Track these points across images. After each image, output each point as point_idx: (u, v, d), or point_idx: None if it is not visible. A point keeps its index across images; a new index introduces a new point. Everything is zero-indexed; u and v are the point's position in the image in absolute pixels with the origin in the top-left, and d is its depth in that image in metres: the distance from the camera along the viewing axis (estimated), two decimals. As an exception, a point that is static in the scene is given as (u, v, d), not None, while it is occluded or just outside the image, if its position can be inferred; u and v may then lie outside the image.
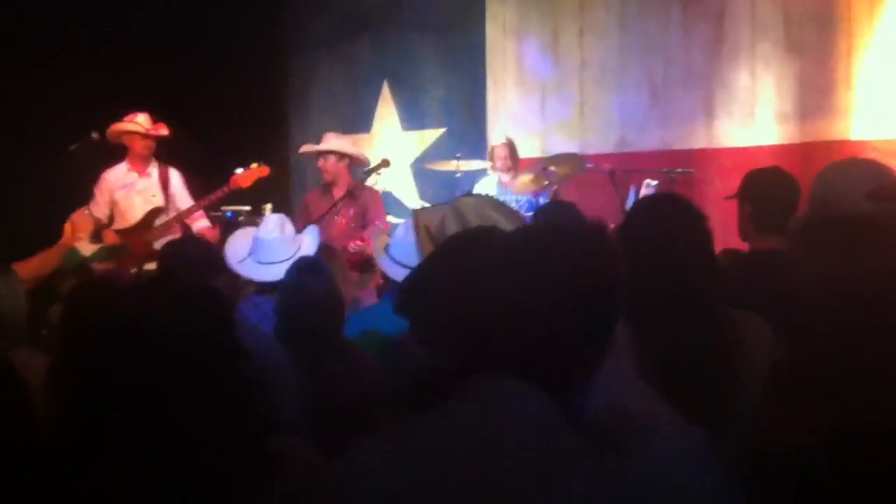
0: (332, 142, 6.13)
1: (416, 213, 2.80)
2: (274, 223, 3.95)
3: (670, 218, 2.34)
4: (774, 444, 1.89)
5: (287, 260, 3.62)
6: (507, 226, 2.28)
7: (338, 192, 5.95)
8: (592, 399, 1.45)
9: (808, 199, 2.89)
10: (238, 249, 3.85)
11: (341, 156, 6.01)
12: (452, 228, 2.42)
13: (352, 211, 5.88)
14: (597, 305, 1.40)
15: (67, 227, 4.24)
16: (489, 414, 1.33)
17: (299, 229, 4.17)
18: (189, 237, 5.53)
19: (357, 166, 6.11)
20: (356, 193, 5.88)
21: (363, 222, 5.85)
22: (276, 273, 3.46)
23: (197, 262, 3.27)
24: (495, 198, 2.69)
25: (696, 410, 1.65)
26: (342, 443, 1.41)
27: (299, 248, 3.90)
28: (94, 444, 1.60)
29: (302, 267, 3.13)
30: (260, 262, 3.77)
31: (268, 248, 3.81)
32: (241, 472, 1.55)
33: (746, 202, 3.32)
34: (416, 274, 1.69)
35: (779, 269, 2.88)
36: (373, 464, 1.34)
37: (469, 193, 6.26)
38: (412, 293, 1.57)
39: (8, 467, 2.07)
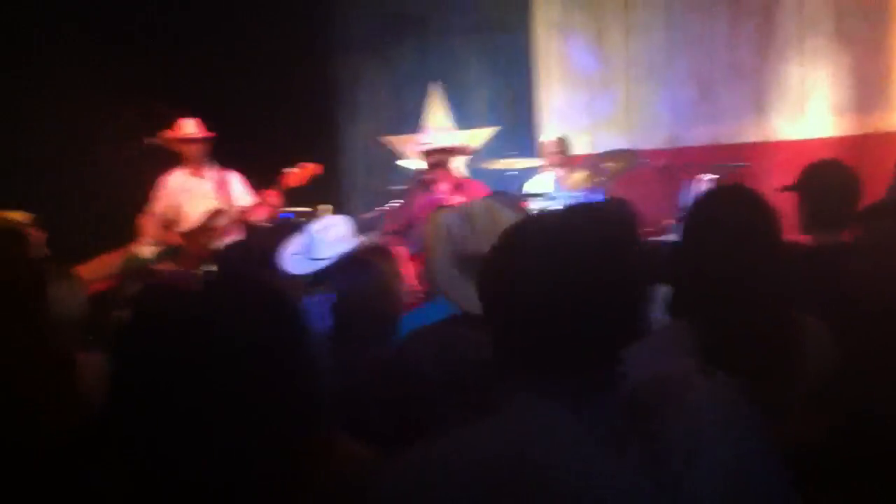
0: (438, 137, 5.90)
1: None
2: (326, 221, 3.96)
3: (737, 209, 2.26)
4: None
5: (322, 260, 3.62)
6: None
7: (441, 185, 5.72)
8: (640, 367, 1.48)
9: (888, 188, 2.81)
10: (294, 244, 3.89)
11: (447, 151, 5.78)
12: (460, 231, 2.48)
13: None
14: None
15: (139, 228, 4.30)
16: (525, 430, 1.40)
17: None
18: (245, 240, 5.57)
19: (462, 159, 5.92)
20: (464, 185, 5.67)
21: None
22: (315, 267, 3.48)
23: (252, 263, 3.30)
24: (509, 193, 2.72)
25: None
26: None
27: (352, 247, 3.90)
28: (153, 442, 1.63)
29: (346, 268, 3.15)
30: (310, 259, 3.78)
31: (316, 244, 3.83)
32: (292, 464, 1.55)
33: (809, 196, 3.31)
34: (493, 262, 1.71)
35: (838, 264, 2.88)
36: (416, 470, 1.39)
37: (501, 192, 6.30)
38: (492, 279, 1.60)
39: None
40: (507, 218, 2.48)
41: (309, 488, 1.57)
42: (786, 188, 3.41)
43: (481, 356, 2.18)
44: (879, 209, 2.90)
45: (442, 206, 5.23)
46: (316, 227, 3.88)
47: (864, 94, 6.22)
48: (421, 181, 5.83)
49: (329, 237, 3.83)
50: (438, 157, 5.72)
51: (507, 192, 5.67)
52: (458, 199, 5.42)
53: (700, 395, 1.44)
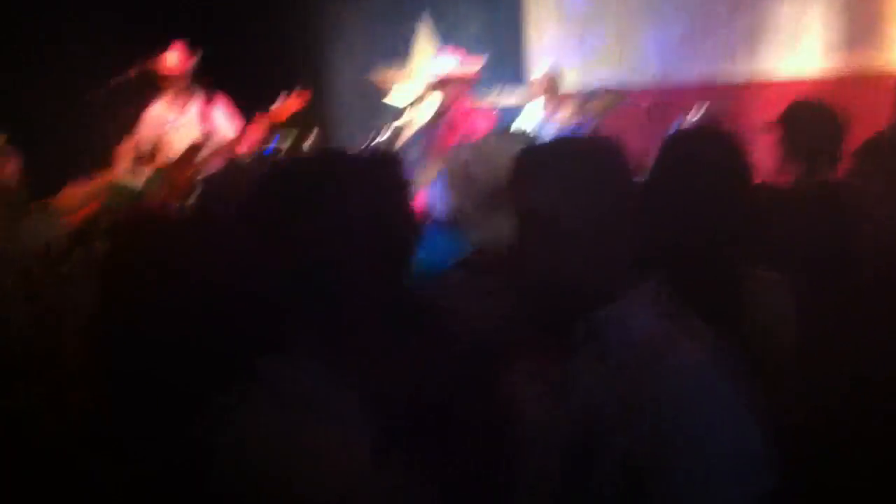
0: (447, 66, 5.67)
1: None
2: None
3: (700, 158, 2.19)
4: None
5: None
6: None
7: (455, 117, 5.47)
8: (626, 329, 1.51)
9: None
10: None
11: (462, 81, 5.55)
12: (475, 167, 2.44)
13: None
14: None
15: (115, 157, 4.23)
16: None
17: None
18: (227, 171, 5.48)
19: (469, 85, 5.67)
20: (456, 122, 5.41)
21: None
22: None
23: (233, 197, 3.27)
24: (521, 131, 2.67)
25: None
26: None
27: None
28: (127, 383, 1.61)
29: None
30: None
31: None
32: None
33: (791, 136, 3.28)
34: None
35: (824, 202, 2.87)
36: None
37: (506, 129, 6.24)
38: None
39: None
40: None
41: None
42: (766, 128, 3.38)
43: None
44: (876, 145, 2.86)
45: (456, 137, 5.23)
46: None
47: (857, 32, 6.14)
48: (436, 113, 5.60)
49: None
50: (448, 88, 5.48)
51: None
52: (464, 130, 5.28)
53: (679, 361, 1.46)
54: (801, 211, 2.97)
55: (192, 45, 6.08)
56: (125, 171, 4.97)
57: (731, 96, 6.34)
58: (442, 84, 5.48)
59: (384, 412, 1.32)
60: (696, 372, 1.45)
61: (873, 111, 5.90)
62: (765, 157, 3.56)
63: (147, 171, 5.77)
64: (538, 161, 1.63)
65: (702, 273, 1.99)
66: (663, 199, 2.09)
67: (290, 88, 5.95)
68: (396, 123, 6.04)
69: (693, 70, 6.84)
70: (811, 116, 3.30)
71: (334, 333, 1.37)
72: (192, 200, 5.56)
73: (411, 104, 5.74)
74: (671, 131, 5.72)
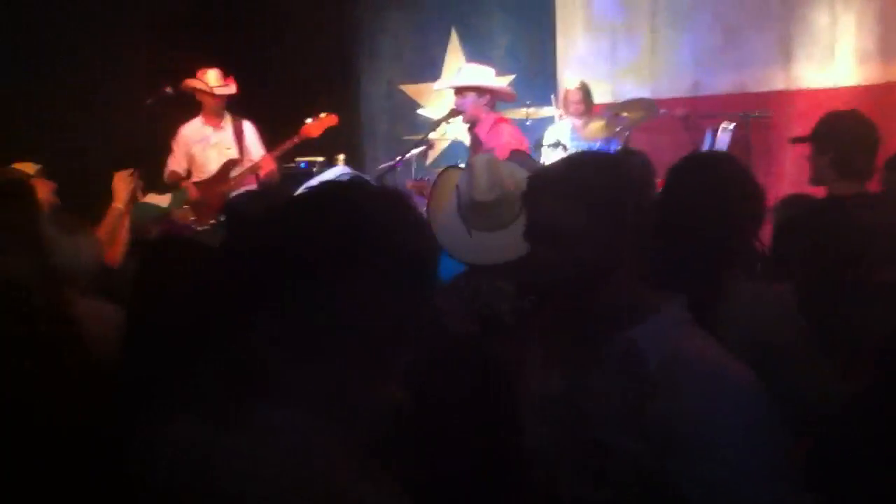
0: (470, 76, 5.50)
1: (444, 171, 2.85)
2: (330, 175, 3.89)
3: (705, 182, 2.17)
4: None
5: None
6: (521, 173, 2.36)
7: (481, 131, 5.33)
8: (656, 347, 1.53)
9: None
10: None
11: (480, 91, 5.37)
12: (462, 185, 2.47)
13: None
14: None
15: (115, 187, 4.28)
16: None
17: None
18: (253, 191, 5.49)
19: (500, 100, 5.54)
20: (481, 136, 5.27)
21: None
22: None
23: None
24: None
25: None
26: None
27: None
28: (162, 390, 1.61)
29: None
30: None
31: None
32: None
33: (827, 147, 3.24)
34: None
35: (861, 210, 2.83)
36: None
37: (539, 142, 6.24)
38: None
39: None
40: (508, 171, 2.48)
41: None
42: (797, 140, 3.35)
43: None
44: None
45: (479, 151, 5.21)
46: (319, 180, 3.83)
47: (892, 40, 6.05)
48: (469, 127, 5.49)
49: None
50: (475, 100, 5.32)
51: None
52: (490, 144, 5.15)
53: (712, 379, 1.48)
54: (836, 222, 2.94)
55: (225, 70, 6.14)
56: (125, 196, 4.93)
57: (765, 105, 6.26)
58: (466, 95, 5.37)
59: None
60: (729, 389, 1.48)
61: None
62: (798, 167, 3.54)
63: (178, 192, 5.86)
64: (554, 180, 1.64)
65: (714, 291, 1.99)
66: (674, 221, 2.08)
67: (318, 111, 6.00)
68: (429, 137, 6.07)
69: (727, 79, 6.78)
70: (843, 128, 3.26)
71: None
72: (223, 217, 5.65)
73: (444, 118, 5.64)
74: (703, 144, 5.71)
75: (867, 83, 6.13)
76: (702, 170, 2.26)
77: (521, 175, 2.36)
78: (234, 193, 5.58)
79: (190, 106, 6.18)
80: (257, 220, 1.37)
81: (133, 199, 4.19)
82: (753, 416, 1.46)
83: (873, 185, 3.32)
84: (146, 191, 5.34)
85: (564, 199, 1.56)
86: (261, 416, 1.20)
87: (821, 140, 3.28)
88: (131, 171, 4.20)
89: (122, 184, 4.22)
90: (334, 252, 1.23)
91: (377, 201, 1.31)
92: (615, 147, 5.85)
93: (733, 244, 2.13)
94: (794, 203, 3.29)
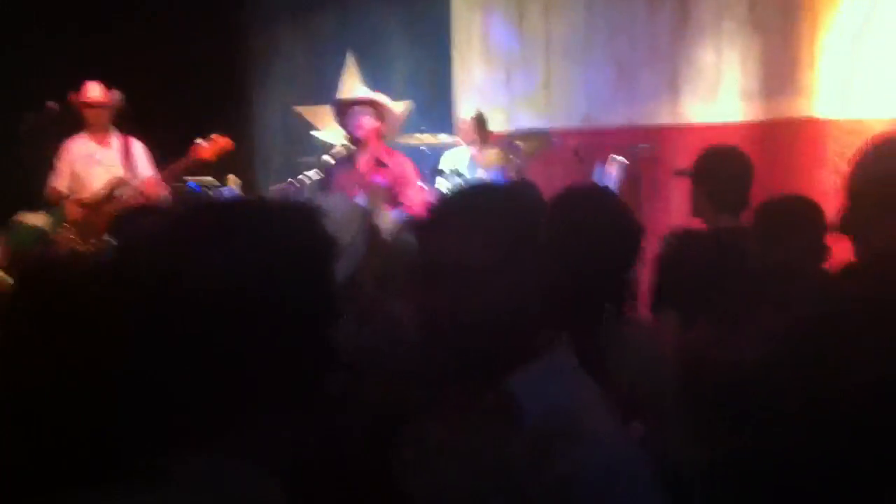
0: (378, 94, 5.41)
1: None
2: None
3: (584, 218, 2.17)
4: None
5: None
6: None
7: (362, 159, 5.27)
8: (539, 397, 1.47)
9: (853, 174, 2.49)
10: None
11: (377, 114, 5.29)
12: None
13: (383, 181, 5.15)
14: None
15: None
16: None
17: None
18: (141, 207, 5.32)
19: (388, 135, 5.44)
20: (385, 160, 5.23)
21: (393, 195, 5.06)
22: None
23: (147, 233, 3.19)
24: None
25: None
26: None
27: None
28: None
29: None
30: None
31: None
32: None
33: (704, 181, 3.35)
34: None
35: (739, 246, 2.93)
36: None
37: (435, 168, 6.25)
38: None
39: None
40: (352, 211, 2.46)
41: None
42: (678, 173, 3.45)
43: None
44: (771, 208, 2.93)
45: (364, 183, 5.13)
46: None
47: (774, 79, 6.30)
48: (346, 157, 5.42)
49: None
50: (373, 122, 5.28)
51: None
52: (380, 176, 5.21)
53: (594, 429, 1.45)
54: (709, 256, 3.03)
55: (111, 86, 5.98)
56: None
57: (653, 139, 6.43)
58: (365, 112, 5.33)
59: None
60: (609, 441, 1.45)
61: (790, 156, 6.08)
62: (685, 201, 3.63)
63: (66, 207, 5.65)
64: (445, 212, 1.60)
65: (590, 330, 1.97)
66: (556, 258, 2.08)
67: (209, 132, 5.88)
68: (323, 159, 5.99)
69: (617, 113, 6.94)
70: (720, 163, 3.38)
71: (261, 425, 1.22)
72: (107, 238, 5.47)
73: (344, 146, 5.57)
74: (594, 175, 5.83)
75: (750, 120, 6.36)
76: (578, 204, 2.24)
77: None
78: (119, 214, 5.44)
79: (76, 124, 5.99)
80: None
81: None
82: (623, 485, 1.43)
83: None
84: (24, 209, 5.15)
85: (465, 236, 1.50)
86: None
87: (698, 174, 3.39)
88: None
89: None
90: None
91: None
92: (508, 176, 5.92)
93: (610, 279, 2.13)
94: (682, 236, 3.38)
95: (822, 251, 2.84)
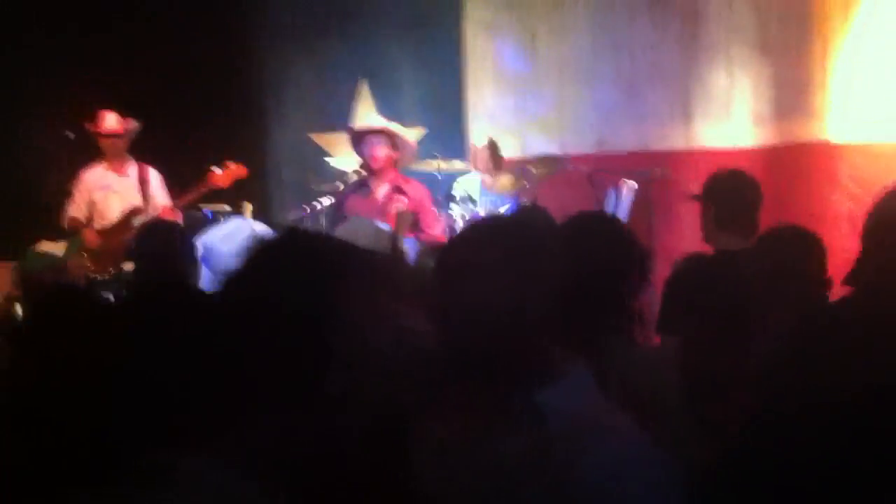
0: (392, 123, 5.51)
1: None
2: (225, 231, 3.85)
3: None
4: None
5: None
6: None
7: (380, 187, 5.31)
8: (558, 406, 1.52)
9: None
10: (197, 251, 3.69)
11: (393, 144, 5.38)
12: None
13: (403, 209, 5.18)
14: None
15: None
16: None
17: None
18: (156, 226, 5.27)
19: (403, 164, 5.51)
20: (404, 188, 5.28)
21: (414, 222, 5.10)
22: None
23: (161, 255, 3.22)
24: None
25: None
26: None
27: None
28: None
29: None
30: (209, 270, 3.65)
31: (215, 256, 3.70)
32: None
33: (710, 203, 3.37)
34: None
35: (736, 270, 2.92)
36: None
37: (449, 194, 6.28)
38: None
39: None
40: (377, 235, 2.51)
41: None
42: (693, 196, 3.47)
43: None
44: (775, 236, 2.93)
45: (386, 210, 5.11)
46: (214, 236, 3.75)
47: (785, 103, 6.30)
48: (360, 182, 5.47)
49: (225, 249, 3.71)
50: (388, 151, 5.34)
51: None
52: (396, 203, 5.23)
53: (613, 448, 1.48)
54: (708, 279, 3.03)
55: (127, 115, 6.04)
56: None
57: (665, 164, 6.43)
58: (381, 142, 5.40)
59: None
60: (628, 456, 1.48)
61: (802, 180, 6.07)
62: (694, 226, 3.65)
63: (85, 236, 5.71)
64: (467, 239, 1.66)
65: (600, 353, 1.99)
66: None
67: (224, 160, 5.93)
68: (336, 185, 6.03)
69: (630, 137, 6.95)
70: (723, 186, 3.39)
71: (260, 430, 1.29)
72: (125, 267, 5.52)
73: (356, 171, 5.61)
74: (606, 200, 5.84)
75: (762, 144, 6.35)
76: (586, 231, 2.27)
77: None
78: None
79: (92, 152, 6.05)
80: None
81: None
82: (647, 486, 1.47)
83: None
84: (40, 238, 5.21)
85: (487, 275, 1.55)
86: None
87: (704, 197, 3.41)
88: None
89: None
90: None
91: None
92: (521, 202, 5.94)
93: (617, 304, 2.15)
94: (687, 260, 3.39)
95: (821, 283, 2.82)
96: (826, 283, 2.80)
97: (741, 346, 2.26)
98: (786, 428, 1.44)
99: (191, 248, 3.44)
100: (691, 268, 3.22)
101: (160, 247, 3.25)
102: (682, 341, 2.62)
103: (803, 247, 2.84)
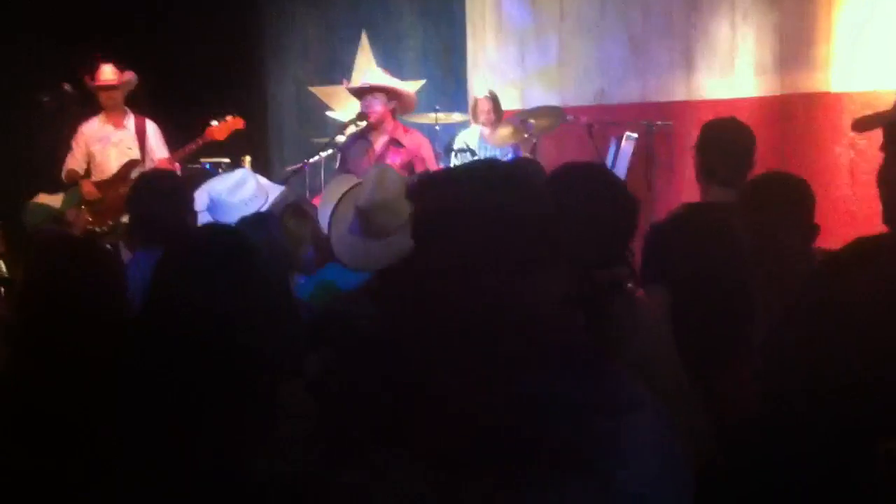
0: (382, 77, 5.50)
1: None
2: (231, 182, 3.82)
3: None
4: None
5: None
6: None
7: (379, 139, 5.34)
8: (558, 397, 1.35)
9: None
10: (199, 202, 3.63)
11: (390, 96, 5.37)
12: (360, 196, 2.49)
13: (398, 160, 5.18)
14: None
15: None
16: None
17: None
18: (159, 171, 5.22)
19: (403, 112, 5.54)
20: (402, 140, 5.30)
21: (411, 173, 5.04)
22: None
23: (167, 195, 3.20)
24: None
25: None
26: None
27: (261, 207, 3.73)
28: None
29: (243, 221, 3.07)
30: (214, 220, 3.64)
31: (222, 208, 3.69)
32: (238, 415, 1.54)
33: (699, 154, 3.30)
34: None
35: (724, 222, 2.88)
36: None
37: (449, 147, 6.26)
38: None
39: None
40: (394, 179, 2.51)
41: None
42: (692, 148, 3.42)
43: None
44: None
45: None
46: (221, 187, 3.75)
47: (789, 53, 6.23)
48: (359, 135, 5.45)
49: (236, 199, 3.72)
50: (384, 104, 5.32)
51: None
52: (396, 157, 5.23)
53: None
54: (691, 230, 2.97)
55: (123, 67, 6.00)
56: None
57: (667, 115, 6.39)
58: (375, 97, 5.35)
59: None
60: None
61: (805, 131, 6.03)
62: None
63: (82, 188, 5.70)
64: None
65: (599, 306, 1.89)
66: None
67: (224, 113, 5.90)
68: (335, 140, 6.00)
69: (631, 89, 6.90)
70: (711, 136, 3.32)
71: None
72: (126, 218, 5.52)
73: (351, 120, 5.58)
74: (607, 152, 5.80)
75: (765, 94, 6.30)
76: (574, 181, 2.20)
77: (400, 184, 2.48)
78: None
79: (90, 104, 6.03)
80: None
81: None
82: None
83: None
84: (40, 191, 5.20)
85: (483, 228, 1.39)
86: None
87: (696, 148, 3.34)
88: None
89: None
90: None
91: None
92: (520, 154, 5.91)
93: (611, 256, 2.12)
94: (676, 211, 3.34)
95: (809, 230, 2.77)
96: (814, 231, 2.76)
97: (728, 298, 2.22)
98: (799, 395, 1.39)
99: (190, 199, 3.41)
100: (675, 220, 3.15)
101: (159, 196, 3.21)
102: (666, 293, 2.57)
103: (791, 194, 2.79)
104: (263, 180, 4.14)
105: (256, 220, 3.02)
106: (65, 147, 5.97)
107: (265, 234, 2.90)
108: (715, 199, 3.17)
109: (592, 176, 2.27)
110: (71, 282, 2.01)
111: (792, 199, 2.77)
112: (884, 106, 4.67)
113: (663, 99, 6.72)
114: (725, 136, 3.29)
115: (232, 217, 3.54)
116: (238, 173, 3.96)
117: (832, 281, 1.42)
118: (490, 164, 1.62)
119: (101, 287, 2.06)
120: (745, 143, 3.26)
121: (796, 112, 6.08)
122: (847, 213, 5.47)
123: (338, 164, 5.55)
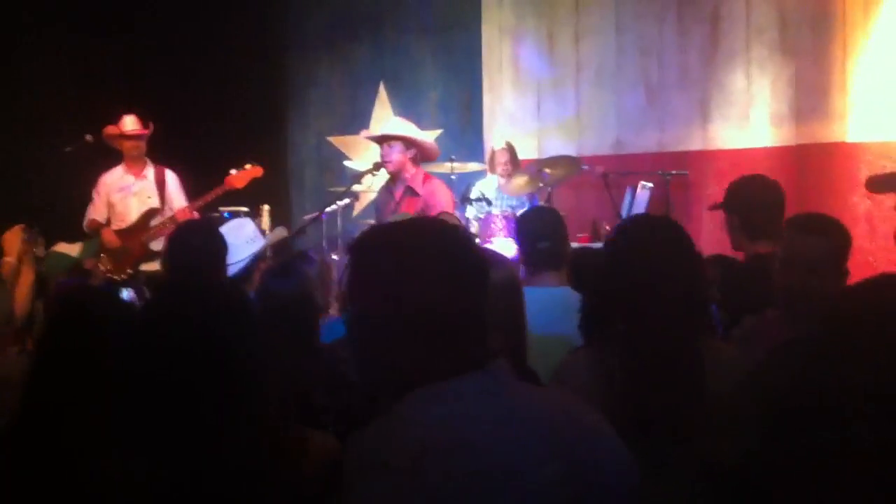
0: (400, 126, 5.57)
1: None
2: (232, 225, 3.94)
3: (653, 253, 2.13)
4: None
5: (236, 263, 3.64)
6: None
7: (398, 188, 5.41)
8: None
9: None
10: None
11: (408, 144, 5.40)
12: None
13: (414, 209, 5.24)
14: None
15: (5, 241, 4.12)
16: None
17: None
18: (195, 224, 5.29)
19: (424, 160, 5.58)
20: (417, 188, 5.34)
21: None
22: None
23: (200, 250, 3.31)
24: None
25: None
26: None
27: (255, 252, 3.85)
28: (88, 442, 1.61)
29: (271, 270, 3.11)
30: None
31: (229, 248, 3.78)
32: (261, 461, 1.58)
33: (735, 213, 3.34)
34: None
35: (767, 275, 2.90)
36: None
37: (465, 196, 6.28)
38: None
39: None
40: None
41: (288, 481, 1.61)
42: (712, 208, 3.44)
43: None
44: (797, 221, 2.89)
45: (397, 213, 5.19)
46: (224, 229, 3.81)
47: (805, 104, 6.26)
48: (386, 185, 5.56)
49: (239, 240, 3.78)
50: (401, 152, 5.37)
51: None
52: (412, 205, 5.28)
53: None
54: (743, 282, 3.01)
55: (146, 118, 6.10)
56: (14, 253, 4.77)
57: (683, 165, 6.41)
58: (392, 146, 5.41)
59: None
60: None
61: (821, 181, 6.03)
62: (715, 227, 3.62)
63: (103, 237, 5.76)
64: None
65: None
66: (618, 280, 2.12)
67: (244, 162, 5.96)
68: (353, 189, 6.05)
69: (648, 138, 6.92)
70: (746, 193, 3.36)
71: None
72: (146, 266, 5.58)
73: (369, 170, 5.64)
74: (623, 202, 5.82)
75: (781, 144, 6.31)
76: (657, 232, 2.21)
77: None
78: (155, 242, 5.57)
79: (111, 155, 6.11)
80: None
81: (28, 252, 4.00)
82: None
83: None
84: (60, 240, 5.25)
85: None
86: None
87: (728, 206, 3.38)
88: (22, 225, 4.04)
89: (13, 237, 4.04)
90: None
91: None
92: (536, 202, 5.94)
93: (700, 305, 2.13)
94: (714, 263, 3.36)
95: (844, 275, 2.77)
96: (846, 275, 2.76)
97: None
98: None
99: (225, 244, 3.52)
100: (729, 273, 3.18)
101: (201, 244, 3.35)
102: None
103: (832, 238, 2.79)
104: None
105: (282, 269, 3.04)
106: (86, 197, 6.05)
107: (291, 283, 2.90)
108: (763, 252, 3.19)
109: (668, 226, 2.27)
110: (86, 335, 2.03)
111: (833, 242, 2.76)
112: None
113: (680, 148, 6.74)
114: (767, 194, 3.33)
115: (237, 256, 3.69)
116: (236, 219, 4.10)
117: None
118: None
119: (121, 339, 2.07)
120: (779, 197, 3.32)
121: (812, 162, 6.10)
122: (866, 263, 5.44)
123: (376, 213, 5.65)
